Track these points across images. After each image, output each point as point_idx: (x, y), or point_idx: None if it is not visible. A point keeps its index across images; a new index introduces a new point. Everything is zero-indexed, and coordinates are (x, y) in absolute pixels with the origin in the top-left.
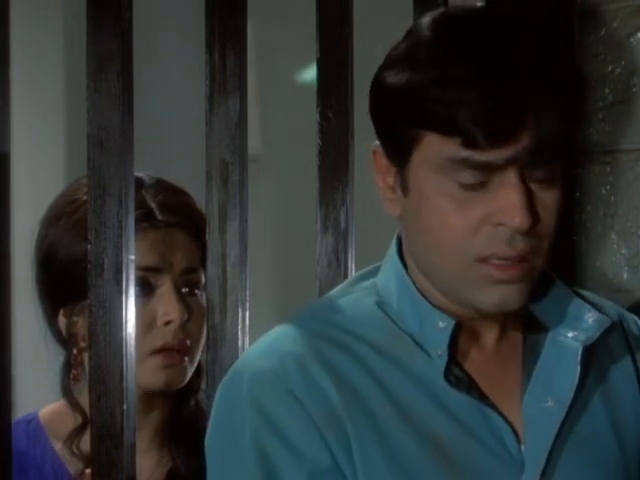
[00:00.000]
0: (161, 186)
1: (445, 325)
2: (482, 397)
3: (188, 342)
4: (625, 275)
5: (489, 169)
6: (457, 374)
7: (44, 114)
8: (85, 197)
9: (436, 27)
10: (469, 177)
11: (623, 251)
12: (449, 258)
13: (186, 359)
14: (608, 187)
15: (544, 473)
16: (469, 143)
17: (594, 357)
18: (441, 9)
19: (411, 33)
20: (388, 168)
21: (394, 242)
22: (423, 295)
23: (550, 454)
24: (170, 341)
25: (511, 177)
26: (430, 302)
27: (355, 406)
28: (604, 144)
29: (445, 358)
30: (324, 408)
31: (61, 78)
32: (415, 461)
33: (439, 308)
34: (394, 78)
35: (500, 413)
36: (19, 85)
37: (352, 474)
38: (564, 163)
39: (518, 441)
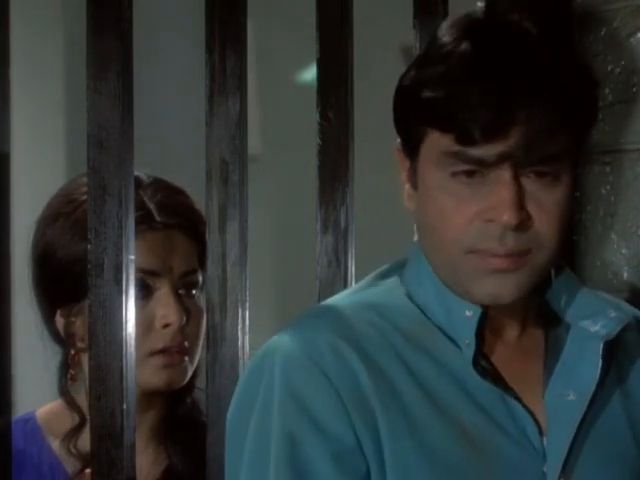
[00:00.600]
0: (159, 186)
1: (472, 314)
2: (507, 388)
3: (186, 344)
4: (625, 275)
5: (482, 164)
6: (483, 365)
7: (44, 114)
8: (83, 197)
9: (442, 32)
10: (463, 169)
11: (623, 251)
12: (446, 251)
13: (186, 359)
14: (608, 187)
15: (565, 465)
16: (461, 138)
17: (614, 355)
18: (456, 17)
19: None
20: (405, 163)
21: (416, 241)
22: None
23: (571, 447)
24: (169, 344)
25: (504, 174)
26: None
27: (385, 391)
28: (604, 144)
29: (473, 347)
30: (354, 391)
31: (61, 78)
32: (443, 447)
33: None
34: (406, 77)
35: (524, 405)
36: (19, 85)
37: (376, 458)
38: (571, 163)
39: (540, 433)
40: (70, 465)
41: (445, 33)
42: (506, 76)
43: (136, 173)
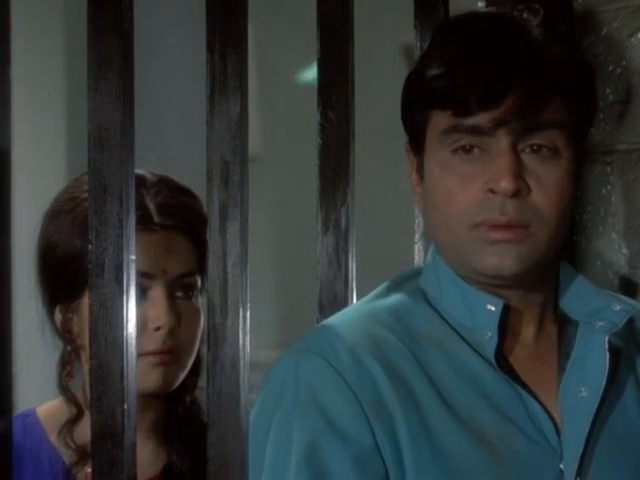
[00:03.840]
0: (163, 186)
1: (494, 307)
2: (524, 385)
3: (178, 347)
4: (626, 275)
5: (478, 133)
6: (502, 364)
7: (45, 114)
8: (84, 195)
9: (441, 27)
10: (461, 143)
11: (624, 251)
12: (452, 229)
13: (177, 362)
14: (609, 187)
15: (582, 461)
16: (458, 111)
17: (624, 348)
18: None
19: None
20: (413, 162)
21: (433, 244)
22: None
23: (587, 442)
24: (159, 346)
25: (501, 143)
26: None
27: (403, 395)
28: (605, 144)
29: (496, 339)
30: (373, 396)
31: (62, 78)
32: (460, 452)
33: None
34: (410, 73)
35: (540, 403)
36: (20, 85)
37: (395, 462)
38: (571, 141)
39: (557, 431)
40: (68, 457)
41: (442, 27)
42: (499, 50)
43: (142, 172)
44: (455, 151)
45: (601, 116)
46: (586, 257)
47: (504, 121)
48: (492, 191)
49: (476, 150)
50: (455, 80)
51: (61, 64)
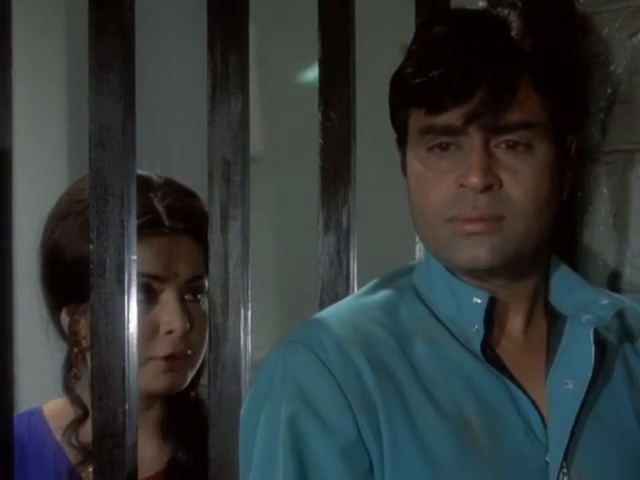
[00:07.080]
0: (169, 188)
1: (480, 300)
2: (511, 378)
3: (189, 351)
4: (626, 275)
5: (452, 132)
6: (490, 356)
7: (46, 114)
8: None
9: (419, 26)
10: (437, 142)
11: (625, 251)
12: (428, 223)
13: (187, 365)
14: (609, 187)
15: (567, 453)
16: (430, 108)
17: (614, 341)
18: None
19: None
20: (400, 158)
21: None
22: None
23: (572, 435)
24: (172, 350)
25: (474, 140)
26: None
27: (388, 388)
28: (605, 144)
29: (482, 332)
30: (358, 387)
31: (63, 78)
32: (443, 443)
33: None
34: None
35: (528, 396)
36: (21, 85)
37: (378, 453)
38: (549, 138)
39: (543, 424)
40: (74, 457)
41: (419, 26)
42: (470, 46)
43: (147, 173)
44: (431, 149)
45: (601, 116)
46: (586, 257)
47: (475, 116)
48: (463, 186)
49: (452, 147)
50: (426, 77)
51: (62, 64)
